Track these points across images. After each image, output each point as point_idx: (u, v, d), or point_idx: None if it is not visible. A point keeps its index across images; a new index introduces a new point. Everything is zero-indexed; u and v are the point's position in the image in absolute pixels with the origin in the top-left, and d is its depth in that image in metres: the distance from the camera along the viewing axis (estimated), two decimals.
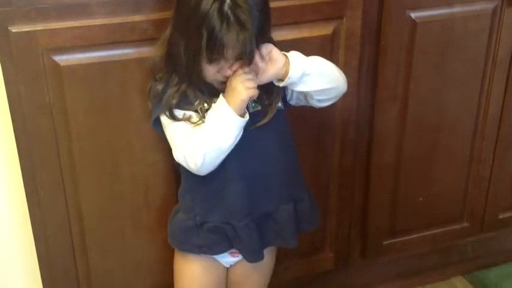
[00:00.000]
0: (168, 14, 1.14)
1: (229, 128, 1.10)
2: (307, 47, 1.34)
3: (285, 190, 1.23)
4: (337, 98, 1.23)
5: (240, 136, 1.12)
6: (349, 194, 1.56)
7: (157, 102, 1.14)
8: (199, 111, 1.13)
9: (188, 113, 1.13)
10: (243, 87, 1.09)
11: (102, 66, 1.20)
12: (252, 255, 1.23)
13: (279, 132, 1.21)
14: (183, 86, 1.12)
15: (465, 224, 1.73)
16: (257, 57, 1.09)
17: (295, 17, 1.32)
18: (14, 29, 1.14)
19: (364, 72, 1.44)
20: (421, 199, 1.65)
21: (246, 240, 1.21)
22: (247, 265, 1.27)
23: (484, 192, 1.70)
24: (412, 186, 1.62)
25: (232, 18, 1.02)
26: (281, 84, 1.15)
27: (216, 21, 1.02)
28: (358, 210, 1.60)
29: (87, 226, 1.35)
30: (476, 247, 1.82)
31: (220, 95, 1.12)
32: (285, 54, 1.14)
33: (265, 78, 1.13)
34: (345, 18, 1.36)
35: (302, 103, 1.23)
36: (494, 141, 1.64)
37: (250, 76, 1.10)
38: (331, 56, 1.38)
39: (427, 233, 1.70)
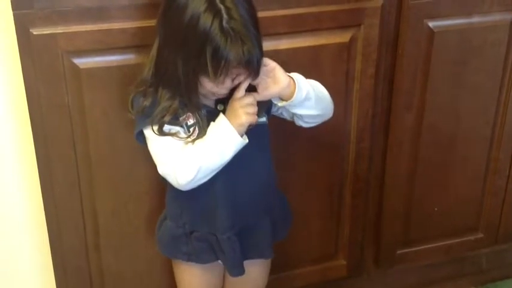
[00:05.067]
0: None
1: (229, 148, 1.09)
2: (324, 55, 1.35)
3: (264, 202, 1.23)
4: (322, 122, 1.22)
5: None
6: (363, 202, 1.56)
7: (142, 116, 1.11)
8: (184, 126, 1.11)
9: (175, 128, 1.10)
10: (243, 112, 1.08)
11: (120, 69, 1.22)
12: (233, 269, 1.23)
13: (262, 145, 1.20)
14: (176, 102, 1.09)
15: (480, 235, 1.72)
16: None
17: (313, 24, 1.32)
18: (35, 31, 1.16)
19: (381, 80, 1.44)
20: (436, 209, 1.64)
21: (228, 253, 1.20)
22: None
23: (500, 203, 1.69)
24: (427, 195, 1.61)
25: (232, 33, 1.00)
26: (282, 104, 1.14)
27: (219, 39, 1.00)
28: (372, 218, 1.60)
29: (101, 226, 1.36)
30: (490, 259, 1.80)
31: (221, 114, 1.10)
32: (290, 76, 1.13)
33: (267, 95, 1.12)
34: (362, 26, 1.36)
35: (283, 117, 1.22)
36: (510, 152, 1.63)
37: (251, 100, 1.09)
38: (348, 64, 1.39)
39: (441, 243, 1.69)
